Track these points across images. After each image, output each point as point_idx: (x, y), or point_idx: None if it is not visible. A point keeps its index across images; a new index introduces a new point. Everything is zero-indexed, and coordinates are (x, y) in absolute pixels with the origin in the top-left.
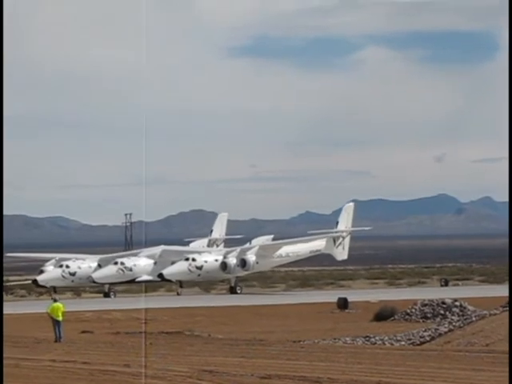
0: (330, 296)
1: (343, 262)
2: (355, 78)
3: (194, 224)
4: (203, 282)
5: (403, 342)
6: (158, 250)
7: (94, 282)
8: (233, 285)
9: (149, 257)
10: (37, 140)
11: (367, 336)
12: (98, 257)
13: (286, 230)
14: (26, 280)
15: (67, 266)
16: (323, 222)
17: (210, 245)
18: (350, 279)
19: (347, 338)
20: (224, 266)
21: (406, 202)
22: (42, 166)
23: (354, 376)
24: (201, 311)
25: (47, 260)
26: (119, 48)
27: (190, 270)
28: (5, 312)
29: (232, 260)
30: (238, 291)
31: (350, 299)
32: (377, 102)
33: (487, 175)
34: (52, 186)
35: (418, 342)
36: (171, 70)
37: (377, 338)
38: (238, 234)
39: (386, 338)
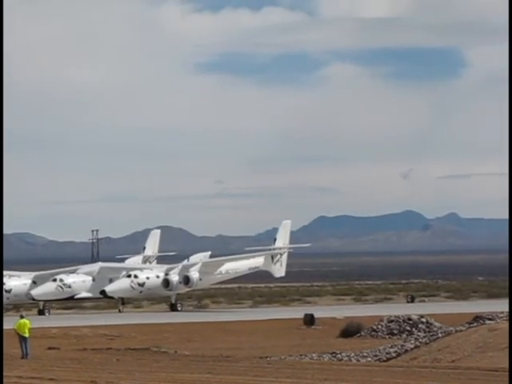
0: (297, 312)
1: (309, 277)
2: (321, 94)
3: (161, 240)
4: (145, 298)
5: (369, 359)
6: (96, 266)
7: (33, 299)
8: (173, 302)
9: (87, 273)
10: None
11: (334, 352)
12: (34, 274)
13: (252, 246)
14: None
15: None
16: (290, 238)
17: (144, 261)
18: (317, 295)
19: (314, 355)
20: (166, 282)
21: (372, 218)
22: (6, 182)
23: None
24: (168, 327)
25: None
26: (85, 67)
27: (132, 286)
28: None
29: (174, 277)
30: (179, 308)
31: (316, 315)
32: (343, 118)
33: (453, 191)
34: (18, 203)
35: (385, 359)
36: (138, 87)
37: (343, 354)
38: (204, 250)
39: (353, 354)
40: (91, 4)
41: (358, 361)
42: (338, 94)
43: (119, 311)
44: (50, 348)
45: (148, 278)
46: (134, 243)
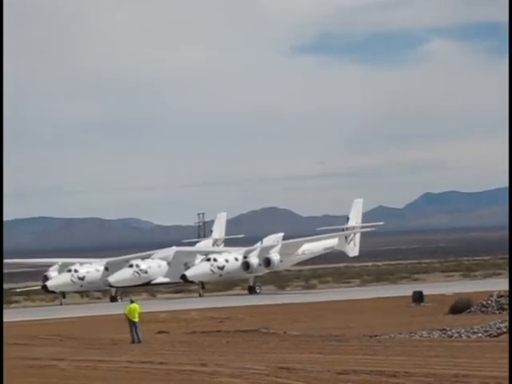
0: (405, 290)
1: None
2: (421, 71)
3: (265, 222)
4: (224, 282)
5: (480, 334)
6: (171, 251)
7: (111, 285)
8: (252, 284)
9: (162, 258)
10: (103, 144)
11: (443, 329)
12: (105, 260)
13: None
14: (32, 287)
15: (76, 271)
16: (396, 216)
17: (213, 245)
18: (425, 272)
19: (423, 332)
20: (246, 265)
21: (480, 193)
22: (111, 169)
23: (432, 369)
24: (276, 309)
25: (49, 265)
26: (183, 49)
27: (212, 270)
28: (80, 314)
29: (254, 259)
30: (257, 291)
31: (425, 292)
32: (446, 94)
33: None
34: (123, 188)
35: (495, 334)
36: (236, 70)
37: (453, 330)
38: (311, 231)
39: (463, 330)
40: None
41: (469, 337)
42: (439, 70)
43: (200, 295)
44: (159, 332)
45: (227, 261)
46: (239, 225)
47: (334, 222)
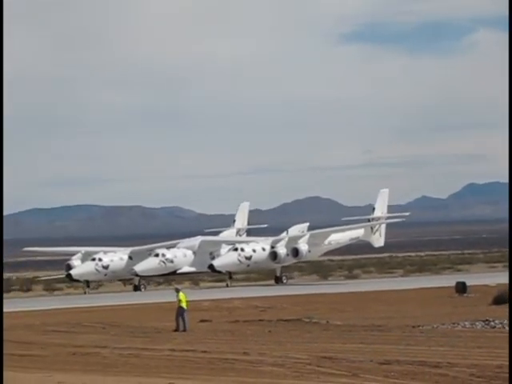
0: (448, 280)
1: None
2: (467, 61)
3: (309, 211)
4: (251, 272)
5: None
6: (196, 241)
7: (137, 275)
8: (278, 274)
9: (188, 248)
10: (145, 132)
11: (487, 320)
12: (130, 249)
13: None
14: (54, 275)
15: (100, 260)
16: (439, 207)
17: (237, 234)
18: (468, 263)
19: (466, 323)
20: (274, 255)
21: None
22: (155, 158)
23: (475, 360)
24: (319, 298)
25: (72, 254)
26: (227, 39)
27: (239, 260)
28: (120, 302)
29: (282, 249)
30: (284, 281)
31: (468, 283)
32: (491, 84)
33: None
34: (167, 177)
35: None
36: (282, 59)
37: (496, 321)
38: (354, 220)
39: (506, 321)
40: None
41: None
42: (484, 60)
43: (227, 286)
44: (202, 321)
45: (254, 250)
46: (283, 214)
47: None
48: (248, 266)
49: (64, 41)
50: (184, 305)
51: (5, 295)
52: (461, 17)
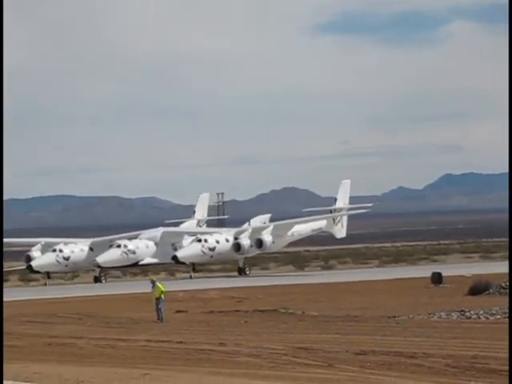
0: (424, 271)
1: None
2: (442, 52)
3: (286, 201)
4: (215, 263)
5: (498, 316)
6: (158, 232)
7: (99, 266)
8: (241, 265)
9: (149, 239)
10: (127, 125)
11: (462, 310)
12: (90, 240)
13: (378, 206)
14: (15, 267)
15: (60, 251)
16: (415, 197)
17: (197, 225)
18: (444, 254)
19: (442, 313)
20: (237, 246)
21: (499, 174)
22: (133, 148)
23: (450, 351)
24: (295, 289)
25: (32, 245)
26: (205, 33)
27: (203, 251)
28: (100, 293)
29: (245, 240)
30: (247, 272)
31: (444, 274)
32: (465, 75)
33: None
34: (143, 168)
35: None
36: (258, 51)
37: (472, 312)
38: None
39: (482, 312)
40: None
41: (487, 318)
42: (459, 51)
43: (191, 277)
44: (177, 311)
45: (218, 242)
46: (259, 205)
47: (354, 202)
48: (211, 257)
49: (66, 35)
50: (162, 295)
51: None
52: (437, 7)
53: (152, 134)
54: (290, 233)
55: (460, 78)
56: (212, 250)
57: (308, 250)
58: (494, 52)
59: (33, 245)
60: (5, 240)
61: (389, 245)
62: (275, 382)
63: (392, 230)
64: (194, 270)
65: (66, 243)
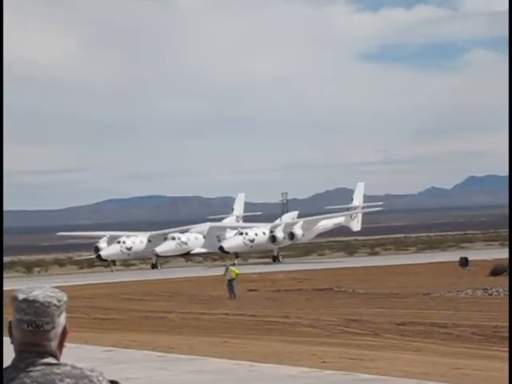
0: (453, 256)
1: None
2: (465, 76)
3: (337, 200)
4: (253, 252)
5: None
6: (206, 226)
7: (158, 255)
8: (276, 254)
9: (198, 232)
10: (204, 135)
11: (485, 288)
12: (148, 233)
13: (414, 203)
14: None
15: (124, 242)
16: (445, 195)
17: (236, 221)
18: (470, 242)
19: (468, 291)
20: (273, 238)
21: None
22: (211, 156)
23: (475, 322)
24: (346, 271)
25: (98, 238)
26: (265, 60)
27: (244, 242)
28: (184, 275)
29: (280, 233)
30: (280, 259)
31: (469, 258)
32: (485, 95)
33: None
34: (220, 172)
35: None
36: (311, 74)
37: (493, 290)
38: (379, 206)
39: (501, 289)
40: (264, 6)
41: (506, 295)
42: (479, 75)
43: (234, 264)
44: (250, 290)
45: (257, 234)
46: (316, 203)
47: (393, 200)
48: (251, 247)
49: (136, 59)
50: (234, 277)
51: (84, 271)
52: (460, 39)
53: (222, 143)
54: (316, 227)
55: (479, 97)
56: (252, 241)
57: (357, 239)
58: (505, 75)
59: (100, 237)
60: (75, 233)
61: (424, 234)
62: (331, 347)
63: (426, 222)
64: (237, 258)
65: (128, 236)
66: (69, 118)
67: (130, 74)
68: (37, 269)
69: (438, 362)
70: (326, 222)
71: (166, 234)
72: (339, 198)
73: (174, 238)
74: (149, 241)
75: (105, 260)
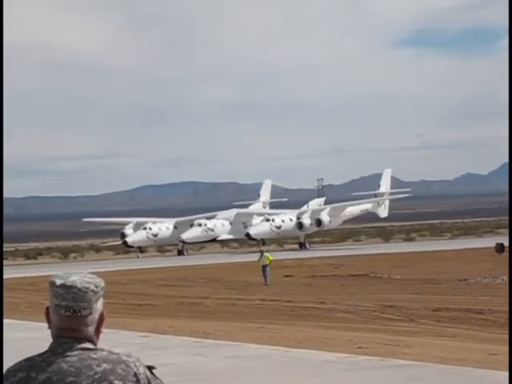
0: (489, 242)
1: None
2: (499, 61)
3: (373, 185)
4: (281, 238)
5: None
6: (232, 212)
7: (184, 241)
8: (302, 241)
9: (225, 219)
10: (240, 121)
11: None
12: (174, 220)
13: (450, 189)
14: (111, 242)
15: (150, 229)
16: (481, 181)
17: (263, 207)
18: (505, 228)
19: (504, 277)
20: (300, 225)
21: None
22: (248, 142)
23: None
24: (381, 257)
25: (125, 224)
26: (304, 46)
27: (271, 229)
28: (221, 261)
29: (307, 220)
30: (307, 246)
31: (505, 244)
32: None
33: None
34: (257, 158)
35: None
36: (350, 60)
37: None
38: (407, 193)
39: None
40: None
41: None
42: None
43: (261, 251)
44: (286, 276)
45: (283, 221)
46: (351, 188)
47: (429, 185)
48: (278, 234)
49: (173, 46)
50: (267, 263)
51: (118, 257)
52: (495, 24)
53: (262, 128)
54: (343, 213)
55: None
56: (278, 228)
57: (392, 225)
58: None
59: (126, 223)
60: (100, 219)
61: (459, 220)
62: (366, 333)
63: (461, 208)
64: (264, 244)
65: (154, 222)
66: (105, 104)
67: (166, 60)
68: (73, 254)
69: (473, 348)
70: (353, 209)
71: (192, 220)
72: (374, 184)
73: (200, 225)
74: (175, 227)
75: (131, 246)
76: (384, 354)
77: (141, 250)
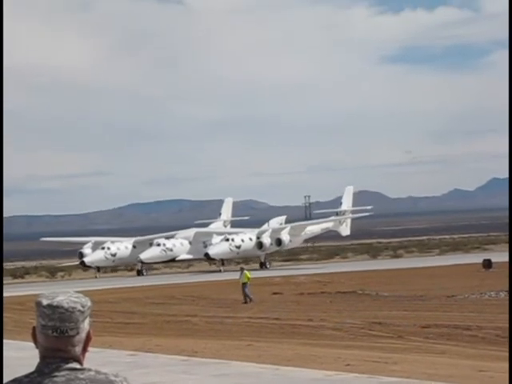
0: (477, 258)
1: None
2: (486, 77)
3: (359, 202)
4: (240, 259)
5: None
6: (191, 232)
7: (142, 262)
8: (263, 261)
9: (184, 238)
10: (226, 139)
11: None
12: (133, 239)
13: (437, 205)
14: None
15: (108, 248)
16: (468, 197)
17: (224, 225)
18: (493, 244)
19: (492, 293)
20: (260, 244)
21: None
22: (232, 159)
23: (499, 323)
24: (369, 274)
25: (83, 243)
26: (293, 64)
27: (230, 249)
28: (205, 279)
29: (267, 239)
30: (268, 266)
31: (493, 260)
32: (507, 97)
33: None
34: (242, 176)
35: None
36: (336, 77)
37: None
38: (397, 210)
39: None
40: (285, 8)
41: None
42: (502, 76)
43: (220, 271)
44: (274, 293)
45: (243, 240)
46: (339, 205)
47: (418, 202)
48: (237, 253)
49: (159, 65)
50: (246, 281)
51: (106, 275)
52: (482, 40)
53: (243, 147)
54: (303, 232)
55: (504, 98)
56: (238, 247)
57: (380, 242)
58: None
59: (84, 243)
60: (59, 239)
61: (447, 237)
62: (355, 350)
63: (449, 224)
64: (223, 265)
65: (112, 241)
66: (91, 124)
67: (152, 80)
68: (60, 273)
69: (462, 365)
70: (314, 228)
71: (151, 239)
72: (361, 201)
73: (159, 245)
74: (134, 247)
75: (89, 266)
76: (372, 371)
77: (99, 270)
